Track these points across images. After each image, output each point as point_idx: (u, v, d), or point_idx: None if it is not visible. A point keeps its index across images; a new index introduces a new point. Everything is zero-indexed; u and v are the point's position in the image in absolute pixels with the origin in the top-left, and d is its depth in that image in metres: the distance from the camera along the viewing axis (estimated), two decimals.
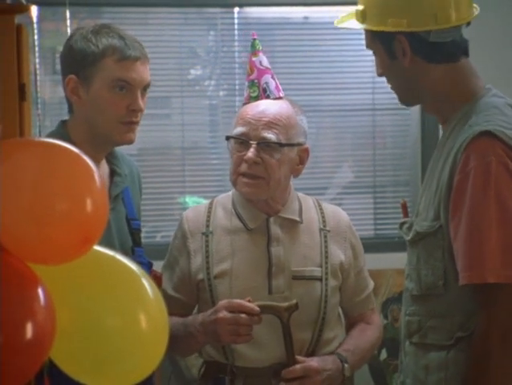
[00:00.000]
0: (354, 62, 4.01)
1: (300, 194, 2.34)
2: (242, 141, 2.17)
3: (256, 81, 2.22)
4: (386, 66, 1.94)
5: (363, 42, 1.99)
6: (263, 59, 2.25)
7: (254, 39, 2.27)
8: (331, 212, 2.31)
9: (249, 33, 4.12)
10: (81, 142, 1.99)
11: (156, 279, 2.14)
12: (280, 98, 2.22)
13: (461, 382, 1.83)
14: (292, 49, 4.07)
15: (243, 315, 2.05)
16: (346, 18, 2.01)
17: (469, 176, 1.78)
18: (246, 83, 2.26)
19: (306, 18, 4.13)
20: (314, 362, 2.14)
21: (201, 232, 2.24)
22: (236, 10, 4.06)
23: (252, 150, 2.14)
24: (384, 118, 4.16)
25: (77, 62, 2.05)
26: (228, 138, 2.22)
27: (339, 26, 2.01)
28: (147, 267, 2.12)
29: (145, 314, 1.47)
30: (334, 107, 4.11)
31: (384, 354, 3.86)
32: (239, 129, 2.18)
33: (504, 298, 1.77)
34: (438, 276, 1.87)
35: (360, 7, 1.93)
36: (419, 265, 1.92)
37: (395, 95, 2.02)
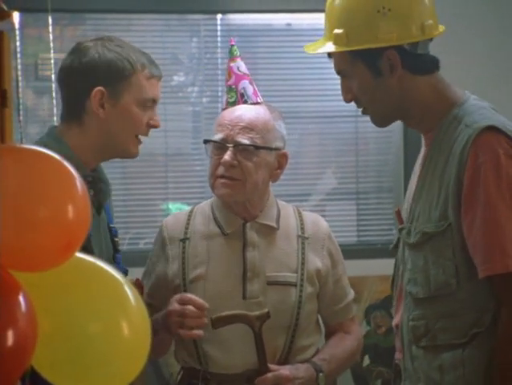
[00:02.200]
0: None
1: (280, 201, 2.35)
2: (220, 145, 2.18)
3: (234, 86, 2.25)
4: (366, 87, 1.97)
5: None
6: (241, 65, 2.27)
7: (232, 45, 2.30)
8: (310, 220, 2.32)
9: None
10: (82, 150, 2.02)
11: (141, 288, 2.14)
12: (258, 103, 2.24)
13: (480, 376, 1.86)
14: (275, 55, 4.08)
15: (190, 307, 2.06)
16: (319, 45, 2.02)
17: (480, 171, 1.82)
18: (225, 89, 2.28)
19: (288, 24, 4.14)
20: (286, 370, 2.14)
21: (179, 238, 2.25)
22: (219, 16, 4.07)
23: (229, 153, 2.17)
24: (366, 124, 4.16)
25: (107, 75, 2.04)
26: (206, 142, 2.24)
27: (315, 52, 2.02)
28: (124, 274, 2.12)
29: (127, 320, 1.47)
30: (316, 114, 4.12)
31: (366, 361, 3.86)
32: (217, 135, 2.21)
33: None
34: (450, 274, 1.89)
35: (339, 31, 1.94)
36: (427, 266, 1.93)
37: None
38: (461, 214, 1.86)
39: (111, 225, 2.19)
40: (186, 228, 2.27)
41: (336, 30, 1.95)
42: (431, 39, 1.98)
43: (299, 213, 2.33)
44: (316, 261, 2.25)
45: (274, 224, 2.26)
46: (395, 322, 2.09)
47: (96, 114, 2.04)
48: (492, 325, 1.85)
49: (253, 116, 2.19)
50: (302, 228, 2.28)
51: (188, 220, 2.29)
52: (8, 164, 1.39)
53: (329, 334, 2.35)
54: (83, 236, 1.45)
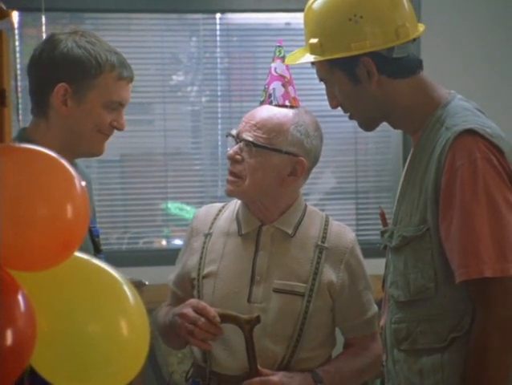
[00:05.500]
0: None
1: (312, 208, 2.30)
2: (234, 139, 2.19)
3: (266, 86, 2.25)
4: (348, 94, 1.96)
5: None
6: (279, 66, 2.26)
7: (278, 46, 2.29)
8: (334, 231, 2.24)
9: (231, 39, 4.17)
10: (50, 147, 1.97)
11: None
12: (285, 106, 2.22)
13: (459, 381, 1.84)
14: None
15: (203, 319, 2.06)
16: (298, 55, 2.02)
17: (457, 175, 1.80)
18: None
19: (287, 24, 4.15)
20: (276, 376, 2.10)
21: (204, 233, 2.26)
22: (218, 16, 4.07)
23: (234, 147, 2.17)
24: None
25: (72, 72, 1.99)
26: (227, 136, 2.24)
27: (294, 63, 2.02)
28: None
29: (126, 320, 1.47)
30: (315, 113, 4.06)
31: None
32: (234, 130, 2.22)
33: (501, 292, 1.78)
34: (428, 279, 1.87)
35: (314, 40, 1.94)
36: (406, 270, 1.92)
37: None
38: (438, 219, 1.84)
39: (92, 226, 2.16)
40: (212, 224, 2.27)
41: (311, 40, 1.95)
42: (414, 40, 1.96)
43: (326, 223, 2.26)
44: (331, 274, 2.19)
45: (289, 230, 2.20)
46: (381, 323, 2.08)
47: (59, 110, 2.00)
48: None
49: (266, 116, 2.17)
50: (324, 238, 2.22)
51: (217, 215, 2.29)
52: (7, 163, 1.39)
53: (346, 348, 2.29)
54: (82, 235, 1.45)
